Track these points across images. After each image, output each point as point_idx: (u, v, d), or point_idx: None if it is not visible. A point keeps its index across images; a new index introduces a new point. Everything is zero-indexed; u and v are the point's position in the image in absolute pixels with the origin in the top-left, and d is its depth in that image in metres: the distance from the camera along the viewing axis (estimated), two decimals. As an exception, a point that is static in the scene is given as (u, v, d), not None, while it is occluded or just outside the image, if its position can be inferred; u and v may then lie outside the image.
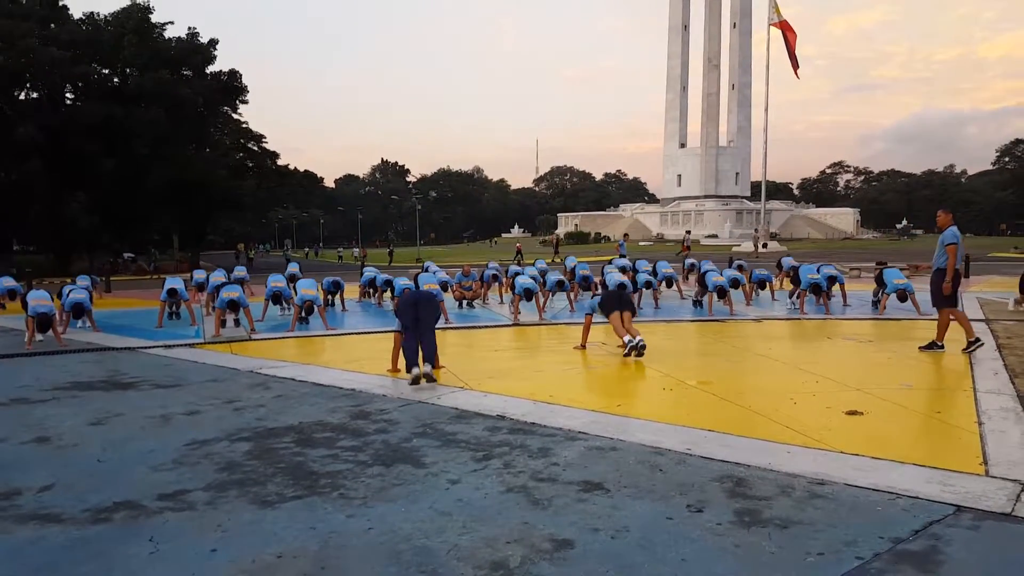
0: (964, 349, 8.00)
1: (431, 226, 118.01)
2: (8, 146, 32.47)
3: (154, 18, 40.15)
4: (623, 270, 15.27)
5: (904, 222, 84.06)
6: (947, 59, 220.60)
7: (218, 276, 14.64)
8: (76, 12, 40.60)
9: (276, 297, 12.99)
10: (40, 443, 5.24)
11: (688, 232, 48.71)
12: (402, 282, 13.68)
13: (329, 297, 14.54)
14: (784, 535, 3.32)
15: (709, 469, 4.26)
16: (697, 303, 13.36)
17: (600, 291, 12.41)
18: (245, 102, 44.75)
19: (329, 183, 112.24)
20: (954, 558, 3.06)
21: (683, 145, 77.70)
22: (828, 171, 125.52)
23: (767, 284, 14.70)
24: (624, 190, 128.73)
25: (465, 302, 14.20)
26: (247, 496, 3.99)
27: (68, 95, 39.11)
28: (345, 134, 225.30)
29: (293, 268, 18.17)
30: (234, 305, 10.90)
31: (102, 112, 34.52)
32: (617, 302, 8.54)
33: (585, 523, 3.50)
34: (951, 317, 8.25)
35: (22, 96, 37.65)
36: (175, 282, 12.84)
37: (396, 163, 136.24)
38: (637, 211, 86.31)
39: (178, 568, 3.14)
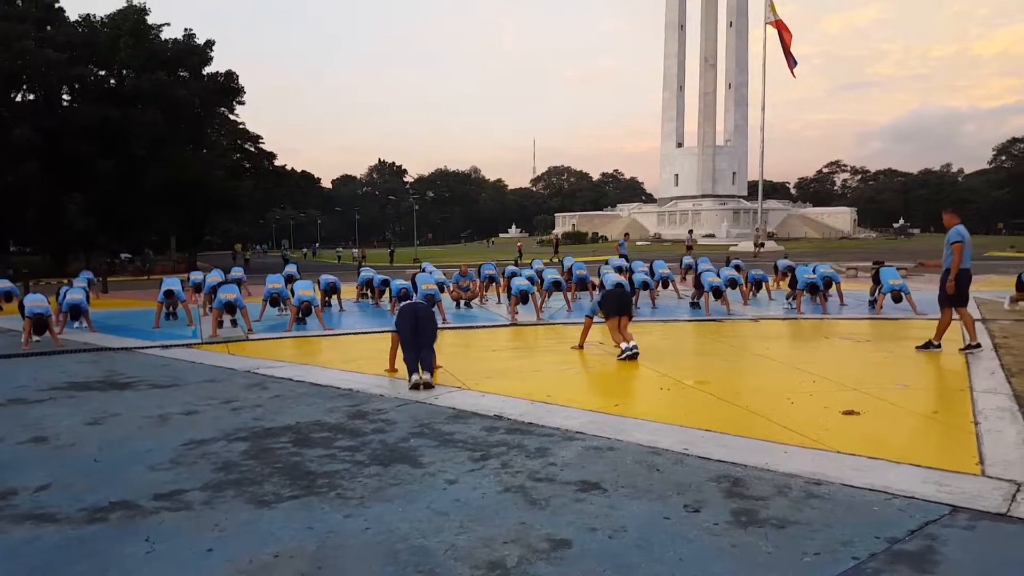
0: (961, 349, 7.99)
1: (428, 226, 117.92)
2: (4, 148, 32.43)
3: (150, 19, 40.22)
4: (619, 270, 15.26)
5: (901, 221, 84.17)
6: (943, 56, 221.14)
7: (215, 276, 14.62)
8: (72, 14, 40.56)
9: (274, 300, 12.97)
10: (37, 443, 5.24)
11: (690, 232, 48.65)
12: (399, 283, 13.65)
13: (326, 298, 14.51)
14: (781, 535, 3.32)
15: (706, 469, 4.26)
16: (695, 305, 13.35)
17: (598, 291, 12.40)
18: (242, 103, 44.95)
19: (326, 183, 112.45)
20: (950, 558, 3.07)
21: (680, 144, 77.68)
22: (825, 170, 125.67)
23: (763, 284, 14.73)
24: (621, 190, 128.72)
25: (463, 302, 14.20)
26: (244, 496, 3.98)
27: (64, 97, 39.12)
28: (342, 134, 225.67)
29: (291, 268, 18.13)
30: (231, 307, 10.89)
31: (99, 113, 34.51)
32: (616, 307, 8.51)
33: (582, 523, 3.50)
34: (956, 317, 8.20)
35: (19, 98, 37.63)
36: (172, 283, 12.82)
37: (393, 163, 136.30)
38: (634, 211, 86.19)
39: (175, 568, 3.14)
